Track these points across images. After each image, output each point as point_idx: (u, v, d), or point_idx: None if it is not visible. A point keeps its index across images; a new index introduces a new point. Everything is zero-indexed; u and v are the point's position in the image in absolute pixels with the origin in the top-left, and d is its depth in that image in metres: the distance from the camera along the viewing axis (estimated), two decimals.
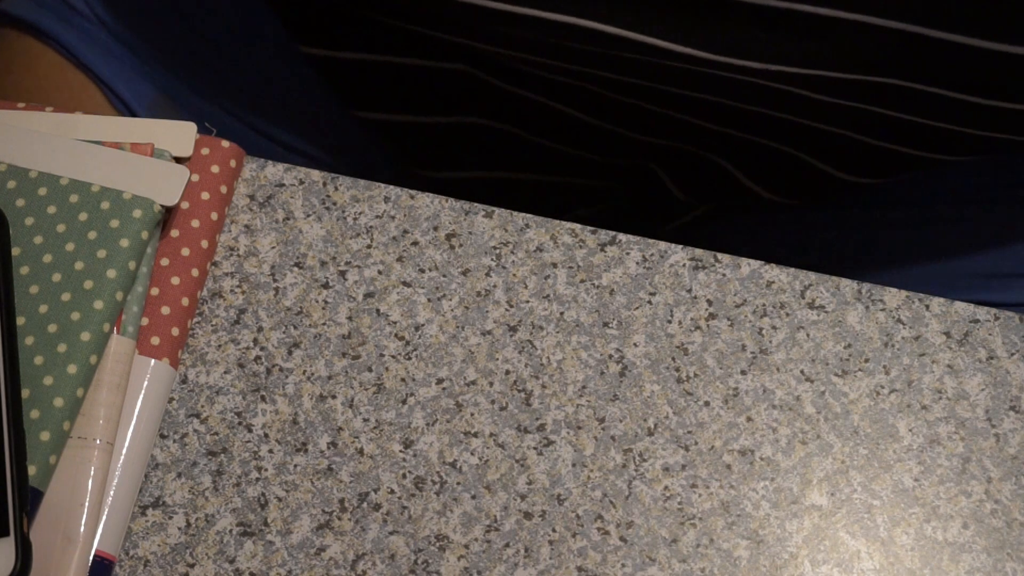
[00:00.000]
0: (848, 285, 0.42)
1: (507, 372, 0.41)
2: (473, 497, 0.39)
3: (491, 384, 0.41)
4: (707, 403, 0.41)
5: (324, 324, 0.42)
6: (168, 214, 0.42)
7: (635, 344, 0.41)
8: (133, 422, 0.39)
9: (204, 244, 0.42)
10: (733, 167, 0.56)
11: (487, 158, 0.58)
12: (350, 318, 0.42)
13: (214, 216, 0.42)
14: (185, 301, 0.41)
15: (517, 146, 0.58)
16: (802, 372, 0.41)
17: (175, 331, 0.41)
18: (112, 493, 0.38)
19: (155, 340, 0.40)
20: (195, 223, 0.42)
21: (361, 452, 0.40)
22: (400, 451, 0.40)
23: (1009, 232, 0.52)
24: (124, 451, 0.39)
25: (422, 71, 0.54)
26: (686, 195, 0.58)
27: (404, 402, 0.41)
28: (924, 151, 0.49)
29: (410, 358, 0.41)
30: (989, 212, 0.53)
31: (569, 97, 0.54)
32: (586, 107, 0.55)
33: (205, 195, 0.42)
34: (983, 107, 0.43)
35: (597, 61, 0.46)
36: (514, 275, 0.42)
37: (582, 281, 0.42)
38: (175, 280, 0.41)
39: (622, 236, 0.43)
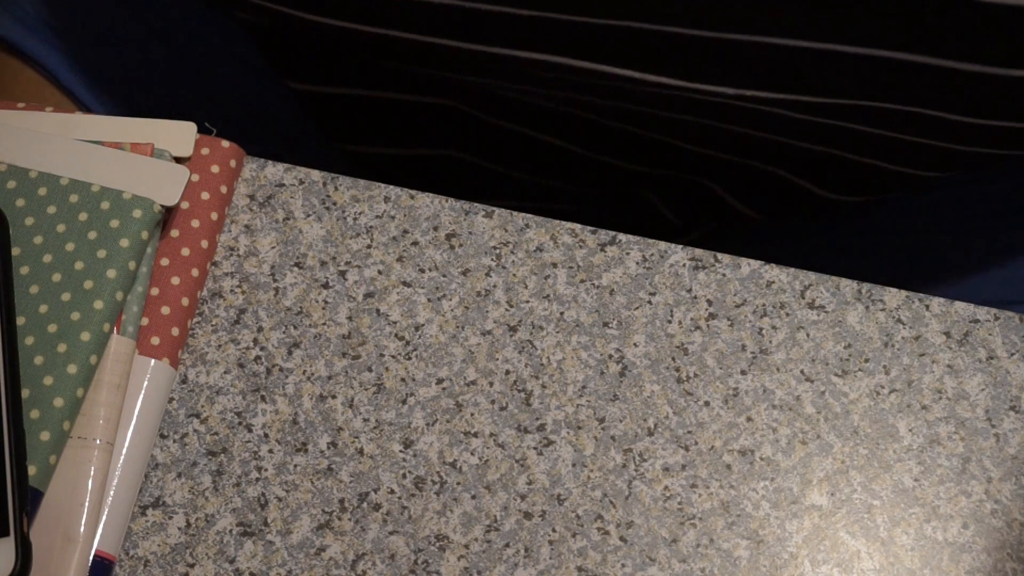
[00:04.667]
0: (848, 285, 0.42)
1: (507, 372, 0.41)
2: (473, 497, 0.39)
3: (491, 384, 0.41)
4: (707, 403, 0.40)
5: (324, 324, 0.41)
6: (168, 214, 0.42)
7: (635, 344, 0.41)
8: (133, 422, 0.39)
9: (204, 244, 0.42)
10: (721, 189, 0.56)
11: (475, 190, 0.58)
12: (350, 318, 0.42)
13: (214, 216, 0.42)
14: (185, 301, 0.41)
15: (505, 177, 0.58)
16: (802, 372, 0.41)
17: (175, 331, 0.40)
18: (112, 493, 0.38)
19: (155, 340, 0.40)
20: (195, 223, 0.42)
21: (361, 452, 0.40)
22: (400, 451, 0.40)
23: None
24: (124, 451, 0.39)
25: (406, 105, 0.55)
26: (679, 219, 0.59)
27: (404, 402, 0.40)
28: (908, 167, 0.49)
29: (410, 358, 0.41)
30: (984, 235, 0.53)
31: (555, 126, 0.54)
32: (573, 136, 0.55)
33: (205, 195, 0.42)
34: (961, 124, 0.43)
35: (576, 87, 0.46)
36: (514, 275, 0.42)
37: (582, 281, 0.42)
38: (175, 280, 0.41)
39: (622, 236, 0.43)
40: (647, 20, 0.40)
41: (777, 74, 0.41)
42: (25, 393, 0.38)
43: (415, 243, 0.43)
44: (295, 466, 0.40)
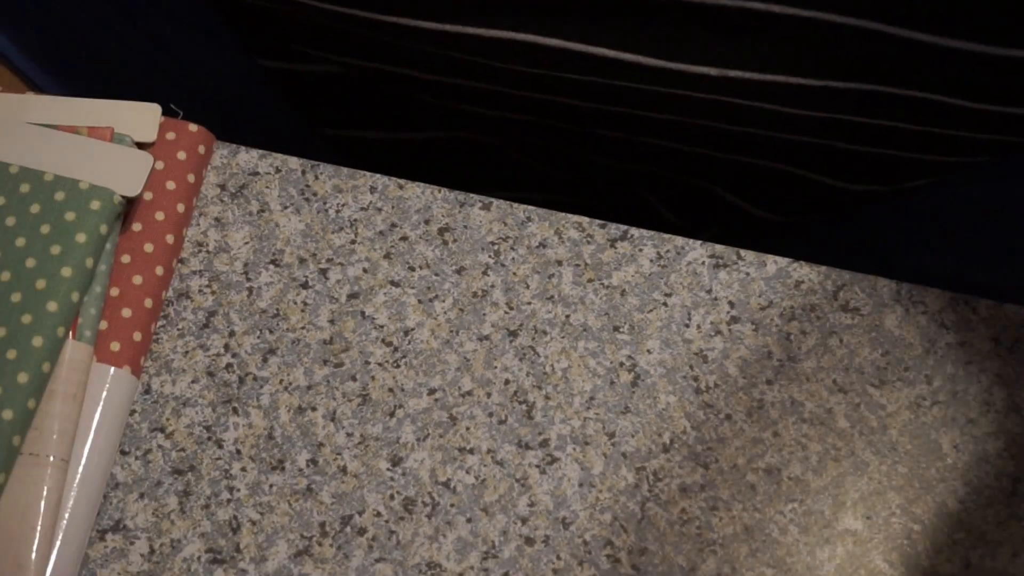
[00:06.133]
0: (886, 285, 0.41)
1: (507, 382, 0.40)
2: (469, 520, 0.38)
3: (489, 395, 0.40)
4: (729, 416, 0.39)
5: (303, 328, 0.40)
6: (129, 206, 0.41)
7: (649, 351, 0.40)
8: (91, 437, 0.38)
9: (170, 239, 0.41)
10: (721, 189, 0.56)
11: (470, 178, 0.57)
12: (332, 321, 0.41)
13: (181, 208, 0.41)
14: (148, 303, 0.40)
15: (504, 165, 0.59)
16: (834, 382, 0.40)
17: (137, 336, 0.40)
18: (67, 516, 0.37)
19: (115, 346, 0.39)
20: (159, 216, 0.41)
21: (344, 470, 0.39)
22: (388, 469, 0.39)
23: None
24: (80, 469, 0.38)
25: (390, 84, 0.55)
26: (681, 220, 0.59)
27: (392, 415, 0.39)
28: (919, 154, 0.49)
29: (399, 366, 0.40)
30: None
31: (543, 121, 0.54)
32: (561, 136, 0.55)
33: (171, 184, 0.41)
34: (963, 108, 0.42)
35: (552, 85, 0.46)
36: (514, 274, 0.41)
37: (590, 280, 0.41)
38: (137, 279, 0.40)
39: (634, 231, 0.42)
40: None
41: (762, 48, 0.41)
42: None
43: (404, 238, 0.42)
44: (271, 486, 0.39)
